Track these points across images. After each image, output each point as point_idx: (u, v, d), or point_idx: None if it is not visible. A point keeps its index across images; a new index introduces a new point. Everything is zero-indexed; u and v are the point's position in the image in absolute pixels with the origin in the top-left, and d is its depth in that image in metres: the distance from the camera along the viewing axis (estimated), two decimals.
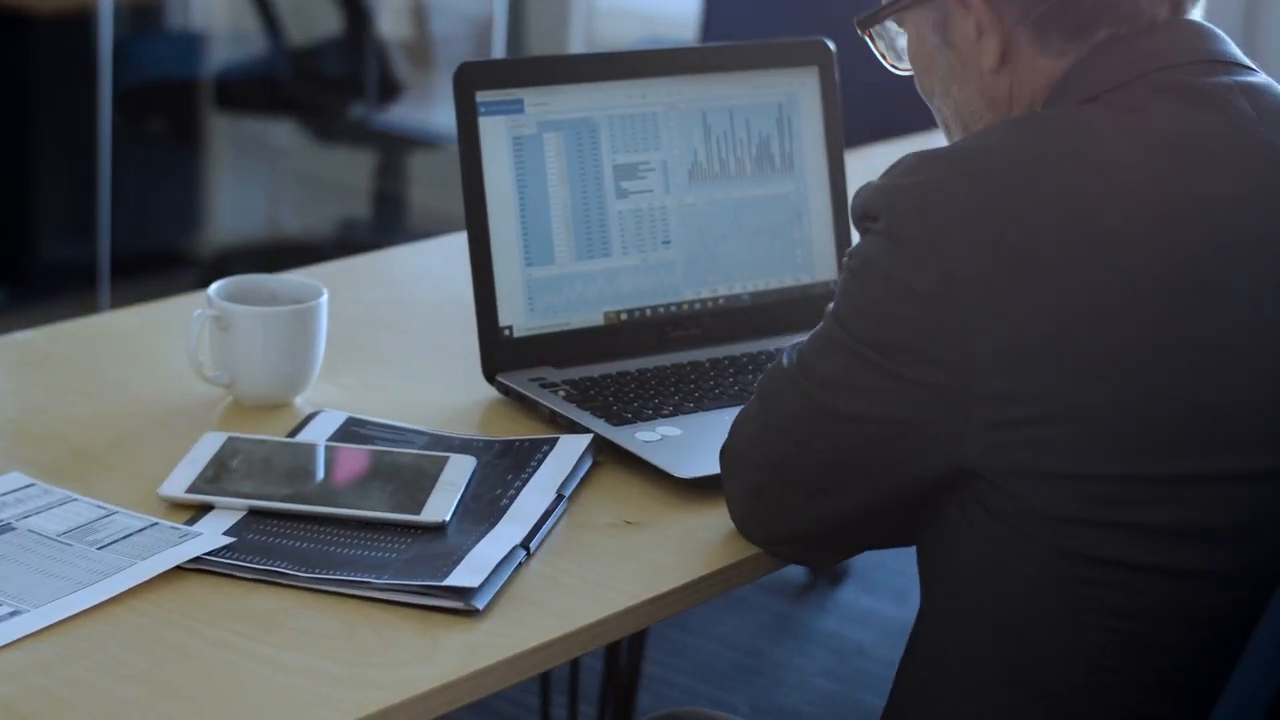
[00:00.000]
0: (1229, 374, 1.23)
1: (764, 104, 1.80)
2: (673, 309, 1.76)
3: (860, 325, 1.28)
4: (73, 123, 4.02)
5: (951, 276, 1.22)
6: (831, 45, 1.84)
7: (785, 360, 1.35)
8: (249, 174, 4.55)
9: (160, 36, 4.26)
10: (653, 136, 1.74)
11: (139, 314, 1.88)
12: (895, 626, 3.04)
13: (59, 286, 4.03)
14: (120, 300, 3.87)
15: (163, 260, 4.18)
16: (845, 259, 1.32)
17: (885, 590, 3.15)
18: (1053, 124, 1.28)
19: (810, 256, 1.83)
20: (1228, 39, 1.34)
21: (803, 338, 1.35)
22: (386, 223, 4.34)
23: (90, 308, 3.99)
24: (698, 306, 1.77)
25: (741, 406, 1.41)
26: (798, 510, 1.37)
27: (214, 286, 1.63)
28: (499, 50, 3.96)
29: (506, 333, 1.67)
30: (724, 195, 1.78)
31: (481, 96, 1.66)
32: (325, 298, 1.63)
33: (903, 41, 1.43)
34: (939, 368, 1.24)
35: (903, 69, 1.45)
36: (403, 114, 4.29)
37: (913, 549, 1.39)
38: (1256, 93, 1.30)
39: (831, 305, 1.32)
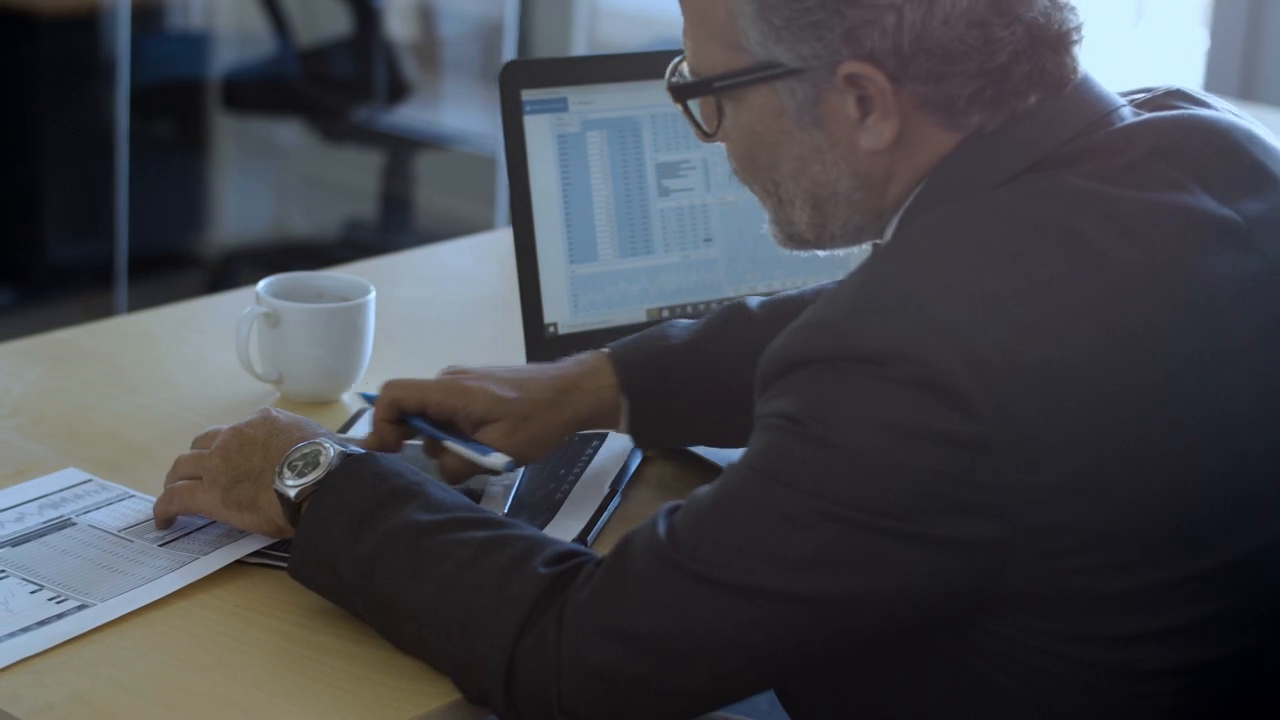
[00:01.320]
0: (1250, 451, 1.17)
1: None
2: (714, 306, 1.77)
3: (853, 491, 1.10)
4: (79, 124, 4.02)
5: (1000, 414, 1.09)
6: None
7: (680, 565, 1.14)
8: (255, 174, 4.56)
9: (167, 37, 4.26)
10: (693, 135, 1.75)
11: (179, 311, 1.89)
12: None
13: (66, 287, 4.03)
14: (129, 300, 3.87)
15: (169, 261, 4.19)
16: (776, 416, 1.13)
17: None
18: (1042, 226, 1.15)
19: (845, 256, 1.84)
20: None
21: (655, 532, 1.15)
22: (393, 224, 4.35)
23: (99, 308, 4.00)
24: None
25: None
26: (684, 702, 1.18)
27: (262, 284, 1.64)
28: (509, 52, 3.98)
29: (551, 330, 1.69)
30: None
31: (527, 95, 1.68)
32: (373, 295, 1.64)
33: (730, 115, 1.25)
34: (978, 518, 1.11)
35: (717, 140, 1.28)
36: (410, 115, 4.30)
37: None
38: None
39: (745, 471, 1.14)
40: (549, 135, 1.69)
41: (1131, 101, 1.26)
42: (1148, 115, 1.23)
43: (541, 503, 1.45)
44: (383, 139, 4.23)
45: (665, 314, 1.74)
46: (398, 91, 4.14)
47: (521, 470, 1.48)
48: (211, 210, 4.39)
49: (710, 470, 1.52)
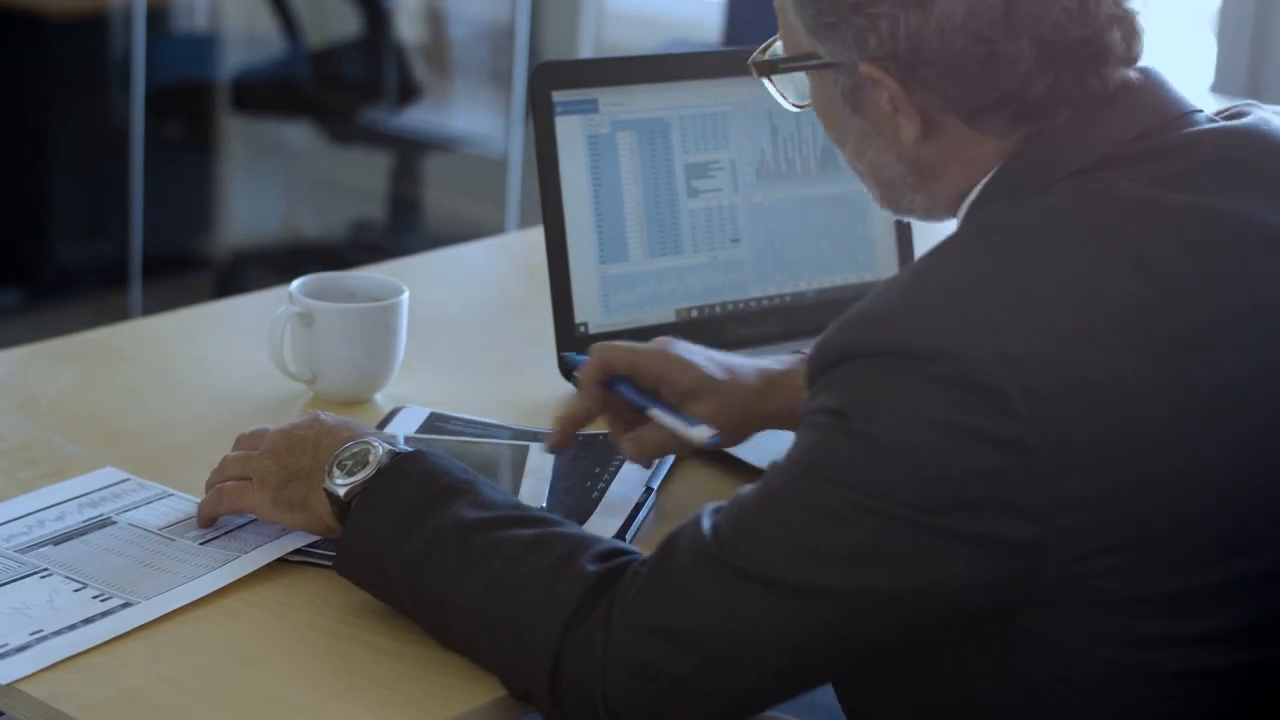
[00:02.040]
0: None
1: None
2: (741, 306, 1.78)
3: (895, 486, 1.12)
4: (87, 125, 4.03)
5: (1043, 419, 1.10)
6: None
7: (724, 562, 1.15)
8: (264, 176, 4.57)
9: (177, 39, 4.27)
10: (722, 136, 1.77)
11: (207, 311, 1.90)
12: None
13: (75, 289, 4.04)
14: (129, 302, 3.88)
15: (178, 262, 4.19)
16: (835, 416, 1.13)
17: None
18: (1076, 231, 1.17)
19: (873, 255, 1.85)
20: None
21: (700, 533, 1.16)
22: (402, 225, 4.36)
23: (108, 310, 4.00)
24: (765, 304, 1.79)
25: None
26: (728, 701, 1.19)
27: (295, 284, 1.65)
28: (521, 55, 3.98)
29: (582, 329, 1.70)
30: (790, 194, 1.81)
31: (558, 96, 1.68)
32: (406, 295, 1.65)
33: (812, 87, 1.30)
34: (1017, 516, 1.12)
35: (805, 106, 1.34)
36: (419, 117, 4.30)
37: None
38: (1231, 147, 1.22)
39: (791, 469, 1.15)
40: (580, 136, 1.70)
41: (1217, 113, 1.26)
42: (1218, 123, 1.24)
43: (578, 502, 1.46)
44: (392, 140, 4.24)
45: (694, 314, 1.75)
46: (408, 93, 4.15)
47: (552, 462, 1.49)
48: (220, 211, 4.40)
49: (743, 470, 1.53)
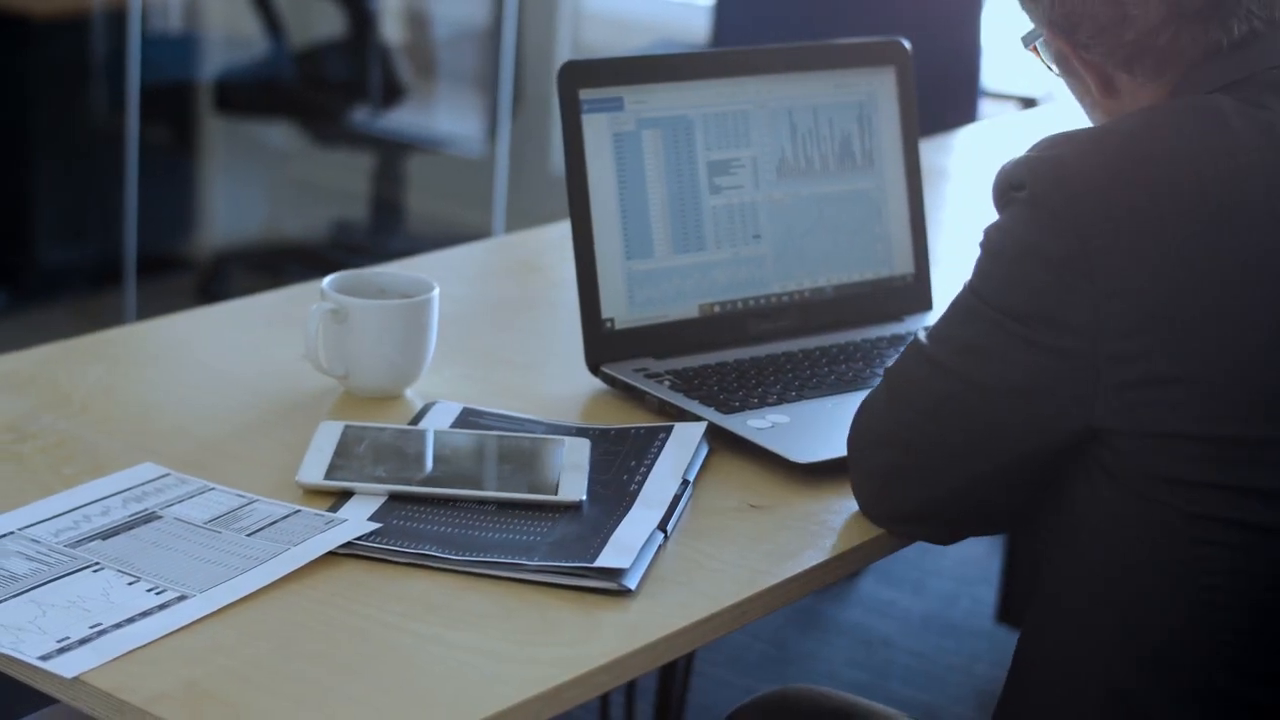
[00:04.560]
0: None
1: (845, 103, 1.85)
2: (762, 301, 1.80)
3: (996, 292, 1.35)
4: (72, 127, 4.02)
5: (1085, 242, 1.30)
6: (908, 45, 1.89)
7: (914, 341, 1.43)
8: (247, 177, 4.56)
9: (160, 39, 4.26)
10: (743, 134, 1.79)
11: (231, 309, 1.90)
12: (915, 617, 3.09)
13: (59, 290, 4.03)
14: (118, 303, 3.87)
15: (160, 263, 4.19)
16: (984, 233, 1.39)
17: (903, 582, 3.21)
18: (1184, 110, 1.37)
19: (889, 251, 1.87)
20: None
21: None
22: (384, 226, 4.36)
23: (92, 311, 4.00)
24: (785, 299, 1.82)
25: (842, 394, 1.48)
26: (925, 486, 1.43)
27: (327, 280, 1.66)
28: (508, 56, 3.99)
29: (609, 325, 1.71)
30: (809, 191, 1.83)
31: (584, 94, 1.70)
32: (437, 291, 1.66)
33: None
34: (1070, 332, 1.31)
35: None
36: (401, 118, 4.31)
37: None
38: None
39: (968, 279, 1.40)
40: (606, 134, 1.71)
41: None
42: None
43: (616, 494, 1.48)
44: (374, 141, 4.24)
45: (716, 309, 1.78)
46: (392, 93, 4.15)
47: (588, 455, 1.51)
48: (202, 212, 4.39)
49: (777, 462, 1.55)
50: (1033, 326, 1.33)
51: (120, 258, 3.83)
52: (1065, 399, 1.33)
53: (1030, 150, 1.38)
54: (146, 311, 3.74)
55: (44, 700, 1.27)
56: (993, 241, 1.37)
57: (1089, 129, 1.39)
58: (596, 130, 1.71)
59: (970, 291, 1.38)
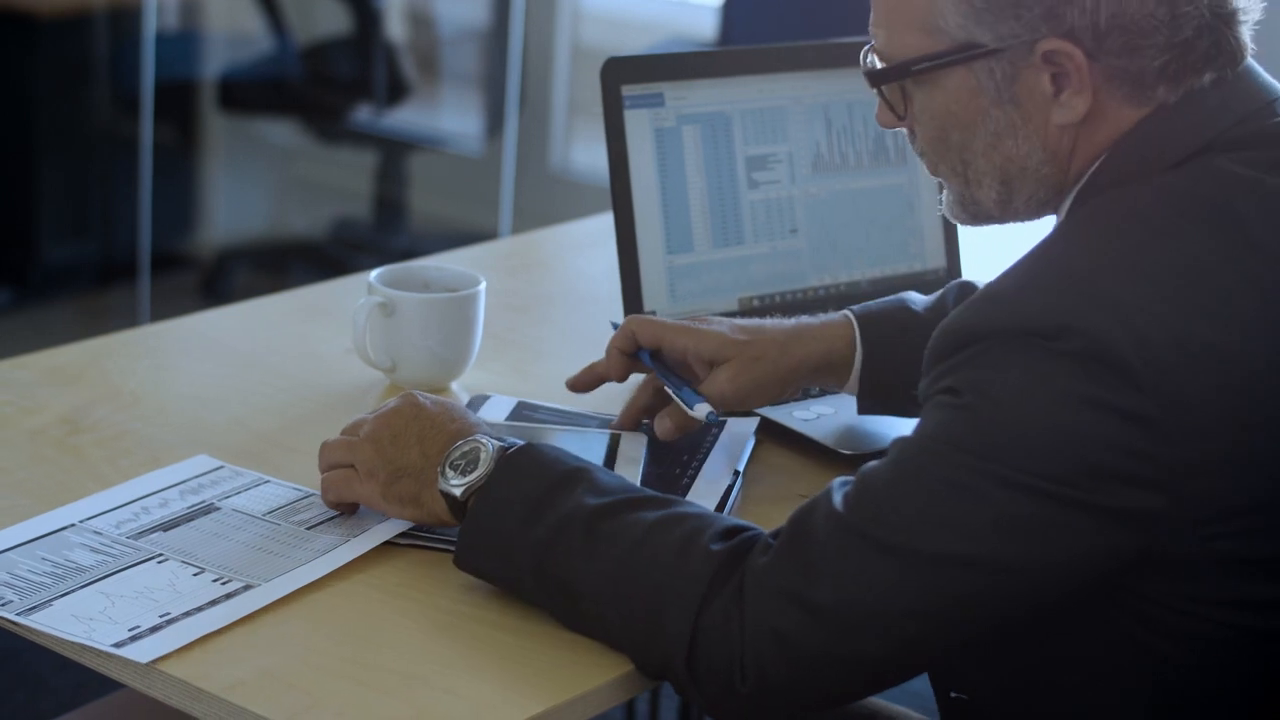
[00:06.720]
0: None
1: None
2: (799, 295, 1.82)
3: (1036, 460, 1.17)
4: (75, 125, 4.02)
5: (1165, 391, 1.16)
6: None
7: (861, 533, 1.19)
8: (250, 175, 4.57)
9: (165, 37, 4.26)
10: (780, 129, 1.81)
11: (281, 300, 1.92)
12: None
13: (62, 288, 4.03)
14: (122, 300, 3.88)
15: (163, 261, 4.19)
16: (949, 392, 1.19)
17: None
18: (1204, 209, 1.23)
19: (921, 245, 1.89)
20: None
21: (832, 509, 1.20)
22: (387, 225, 4.37)
23: (96, 308, 4.00)
24: (821, 293, 1.83)
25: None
26: (897, 678, 1.23)
27: (374, 274, 1.67)
28: (515, 55, 4.01)
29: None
30: (844, 186, 1.85)
31: (627, 90, 1.72)
32: (484, 285, 1.68)
33: (921, 98, 1.31)
34: (1147, 487, 1.17)
35: (906, 124, 1.35)
36: (405, 117, 4.32)
37: None
38: None
39: (924, 443, 1.20)
40: (648, 129, 1.73)
41: None
42: None
43: (669, 487, 1.49)
44: (378, 140, 4.25)
45: (755, 302, 1.79)
46: (397, 92, 4.16)
47: (644, 449, 1.52)
48: (206, 210, 4.39)
49: (823, 452, 1.57)
50: (1086, 489, 1.16)
51: (128, 255, 3.83)
52: (1114, 555, 1.19)
53: (1024, 290, 1.19)
54: (153, 309, 3.75)
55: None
56: (1005, 397, 1.17)
57: (1113, 258, 1.20)
58: (639, 126, 1.73)
59: (968, 458, 1.17)
